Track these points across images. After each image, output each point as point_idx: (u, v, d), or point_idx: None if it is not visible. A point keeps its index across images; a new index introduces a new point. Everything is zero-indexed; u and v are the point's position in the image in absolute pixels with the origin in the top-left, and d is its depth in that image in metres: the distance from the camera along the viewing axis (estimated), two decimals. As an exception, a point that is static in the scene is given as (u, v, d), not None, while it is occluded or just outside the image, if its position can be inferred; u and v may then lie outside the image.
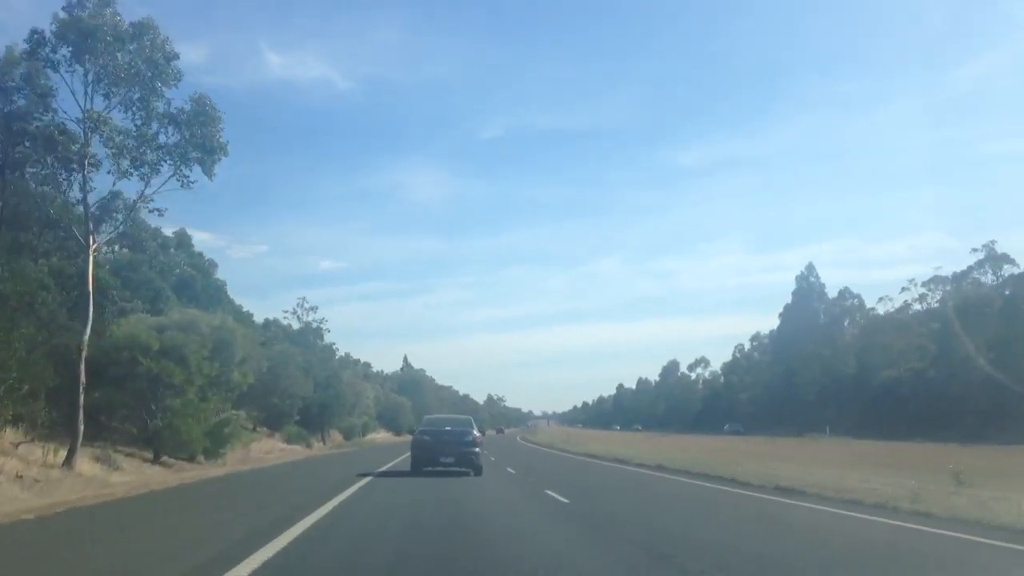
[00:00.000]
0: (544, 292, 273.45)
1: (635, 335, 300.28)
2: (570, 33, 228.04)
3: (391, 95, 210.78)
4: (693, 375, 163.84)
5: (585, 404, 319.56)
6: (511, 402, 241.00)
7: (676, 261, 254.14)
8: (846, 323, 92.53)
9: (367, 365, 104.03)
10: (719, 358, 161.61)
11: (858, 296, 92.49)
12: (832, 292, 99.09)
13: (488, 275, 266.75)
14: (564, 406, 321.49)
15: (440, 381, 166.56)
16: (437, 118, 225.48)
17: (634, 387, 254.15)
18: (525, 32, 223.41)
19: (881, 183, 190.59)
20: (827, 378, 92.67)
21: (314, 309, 63.64)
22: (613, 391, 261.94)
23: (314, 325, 63.53)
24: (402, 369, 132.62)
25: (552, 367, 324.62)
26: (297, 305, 63.25)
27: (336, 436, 65.68)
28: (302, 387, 53.57)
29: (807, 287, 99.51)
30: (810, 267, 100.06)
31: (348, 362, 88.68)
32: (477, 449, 24.76)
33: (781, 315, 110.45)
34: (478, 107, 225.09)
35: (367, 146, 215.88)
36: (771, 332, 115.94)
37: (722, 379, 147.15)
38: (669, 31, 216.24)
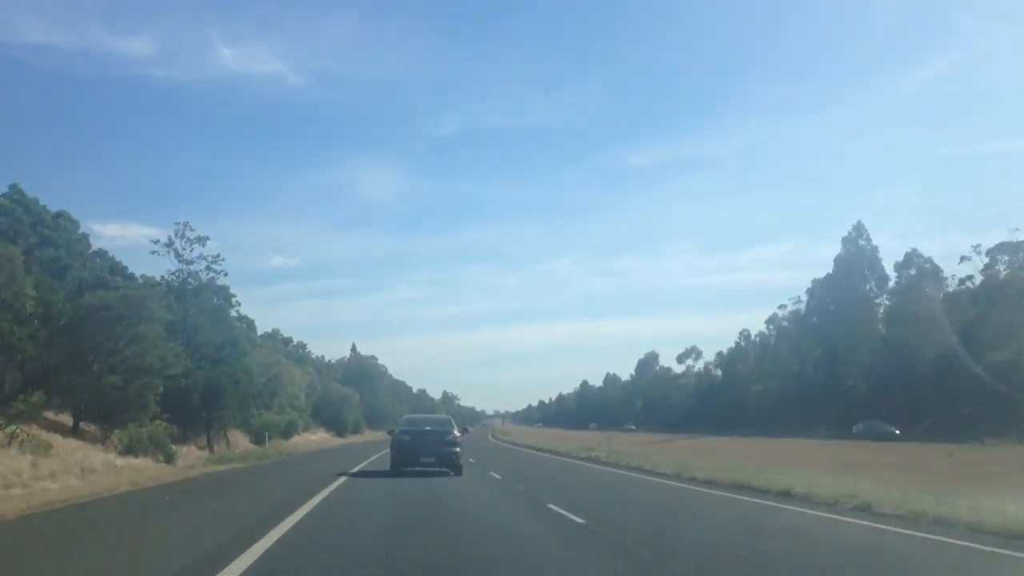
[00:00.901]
0: (498, 291, 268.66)
1: (590, 334, 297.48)
2: (526, 31, 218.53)
3: (345, 91, 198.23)
4: (681, 367, 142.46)
5: (542, 403, 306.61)
6: (464, 401, 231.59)
7: (631, 261, 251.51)
8: (913, 295, 71.74)
9: (300, 345, 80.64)
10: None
11: (929, 260, 72.05)
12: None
13: (443, 273, 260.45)
14: (517, 405, 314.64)
15: (394, 376, 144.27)
16: (392, 115, 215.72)
17: (600, 383, 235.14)
18: (481, 29, 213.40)
19: (831, 185, 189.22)
20: (886, 364, 71.91)
21: (203, 241, 39.76)
22: (571, 389, 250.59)
23: (202, 265, 39.50)
24: (349, 358, 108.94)
25: (505, 366, 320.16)
26: (176, 233, 39.12)
27: (239, 439, 42.64)
28: (165, 357, 30.61)
29: (855, 252, 78.84)
30: (859, 227, 79.40)
31: (272, 338, 65.74)
32: (458, 449, 24.36)
33: (810, 291, 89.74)
34: (433, 104, 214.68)
35: (321, 142, 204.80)
36: (793, 312, 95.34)
37: (719, 372, 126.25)
38: (624, 32, 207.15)
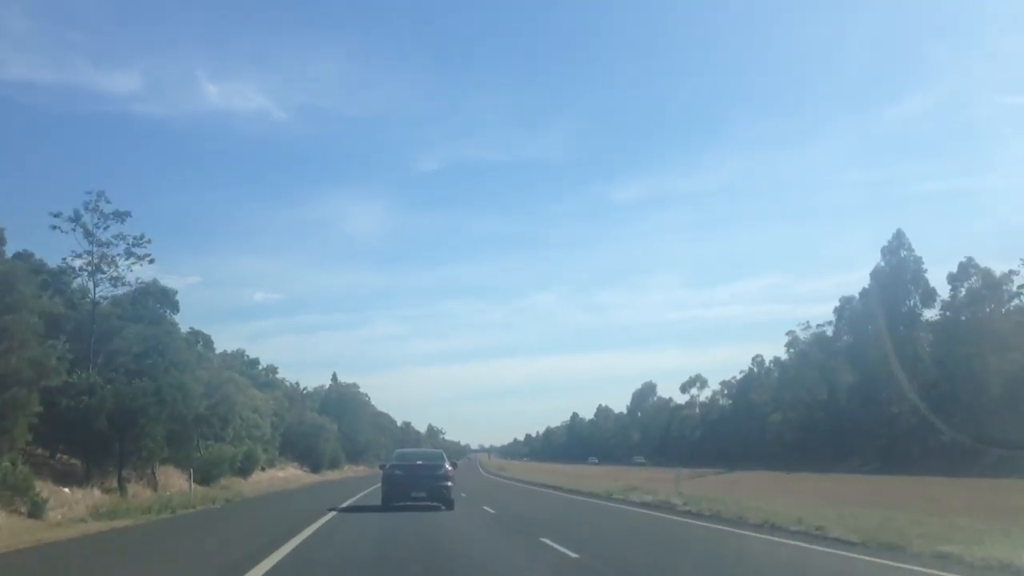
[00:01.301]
0: (482, 325, 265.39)
1: (573, 369, 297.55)
2: (509, 67, 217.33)
3: (329, 126, 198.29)
4: (684, 397, 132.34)
5: (528, 436, 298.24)
6: (449, 435, 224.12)
7: (613, 295, 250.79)
8: (974, 310, 62.38)
9: (271, 369, 70.14)
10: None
11: (987, 271, 62.56)
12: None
13: (426, 308, 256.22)
14: (502, 439, 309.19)
15: (377, 408, 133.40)
16: (376, 150, 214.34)
17: (591, 416, 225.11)
18: (464, 65, 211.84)
19: (811, 220, 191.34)
20: (940, 388, 62.47)
21: (122, 217, 29.08)
22: (556, 423, 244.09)
23: (120, 248, 28.63)
24: (328, 386, 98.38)
25: (489, 400, 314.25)
26: (86, 206, 28.39)
27: (174, 478, 32.32)
28: (41, 363, 20.59)
29: (896, 265, 69.70)
30: (899, 236, 70.12)
31: (235, 357, 55.65)
32: (449, 483, 23.96)
33: (839, 311, 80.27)
34: (417, 139, 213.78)
35: (304, 177, 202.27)
36: (816, 335, 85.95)
37: (727, 401, 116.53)
38: (607, 68, 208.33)
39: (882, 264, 70.89)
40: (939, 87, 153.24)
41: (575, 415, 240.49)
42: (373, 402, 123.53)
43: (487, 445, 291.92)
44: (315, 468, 66.98)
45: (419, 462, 25.09)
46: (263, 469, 52.61)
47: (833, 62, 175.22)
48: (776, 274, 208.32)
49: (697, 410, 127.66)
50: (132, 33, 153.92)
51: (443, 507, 23.25)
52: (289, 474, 56.42)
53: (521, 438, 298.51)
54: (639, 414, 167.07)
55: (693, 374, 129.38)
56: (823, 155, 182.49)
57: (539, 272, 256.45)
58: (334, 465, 77.51)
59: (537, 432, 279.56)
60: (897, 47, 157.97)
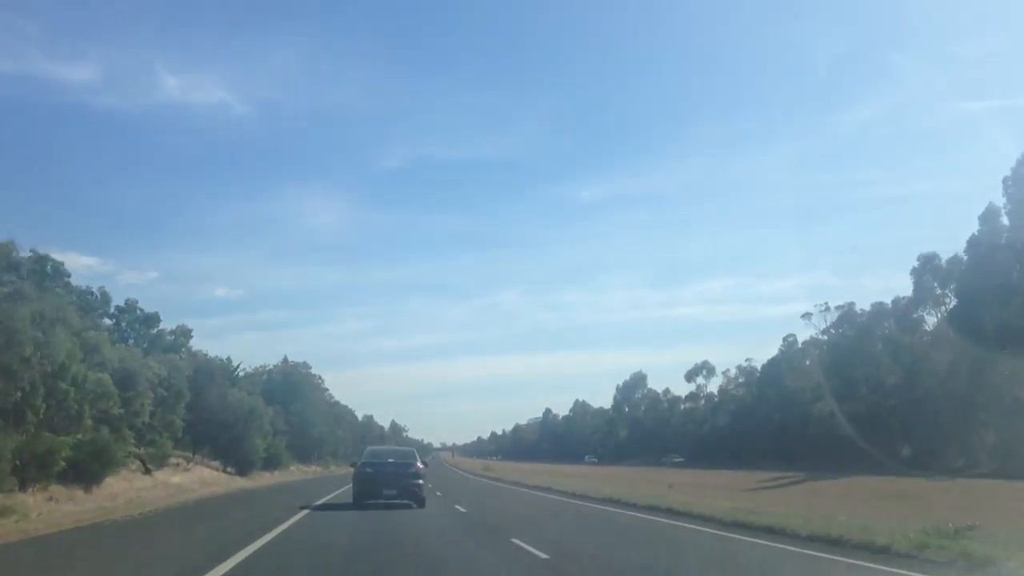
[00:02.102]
0: (444, 323, 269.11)
1: (535, 367, 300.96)
2: (470, 66, 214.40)
3: (290, 121, 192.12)
4: (691, 387, 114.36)
5: (494, 434, 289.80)
6: (412, 433, 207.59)
7: (575, 294, 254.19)
8: None
9: (182, 332, 50.16)
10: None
11: None
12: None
13: (388, 305, 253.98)
14: (464, 438, 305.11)
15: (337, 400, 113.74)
16: (337, 146, 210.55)
17: (567, 412, 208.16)
18: (426, 63, 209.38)
19: (771, 221, 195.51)
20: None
21: None
22: (525, 421, 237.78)
23: None
24: (273, 367, 78.35)
25: (451, 398, 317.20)
26: None
27: None
28: None
29: (994, 233, 52.76)
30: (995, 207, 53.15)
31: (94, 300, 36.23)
32: (420, 481, 24.17)
33: (921, 278, 62.95)
34: (378, 136, 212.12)
35: (265, 173, 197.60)
36: (873, 308, 68.64)
37: (739, 391, 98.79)
38: (568, 68, 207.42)
39: (979, 232, 53.80)
40: (897, 92, 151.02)
41: (548, 411, 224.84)
42: (333, 395, 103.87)
43: (449, 443, 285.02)
44: (242, 469, 47.54)
45: (390, 460, 25.08)
46: (147, 471, 33.17)
47: (793, 66, 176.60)
48: (736, 275, 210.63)
49: (702, 402, 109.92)
50: (89, 23, 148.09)
51: (414, 505, 23.18)
52: (192, 479, 36.85)
53: (486, 436, 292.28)
54: (626, 408, 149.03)
55: (700, 361, 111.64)
56: (782, 157, 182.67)
57: (500, 271, 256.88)
58: (274, 465, 58.02)
59: (504, 430, 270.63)
60: (857, 51, 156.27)
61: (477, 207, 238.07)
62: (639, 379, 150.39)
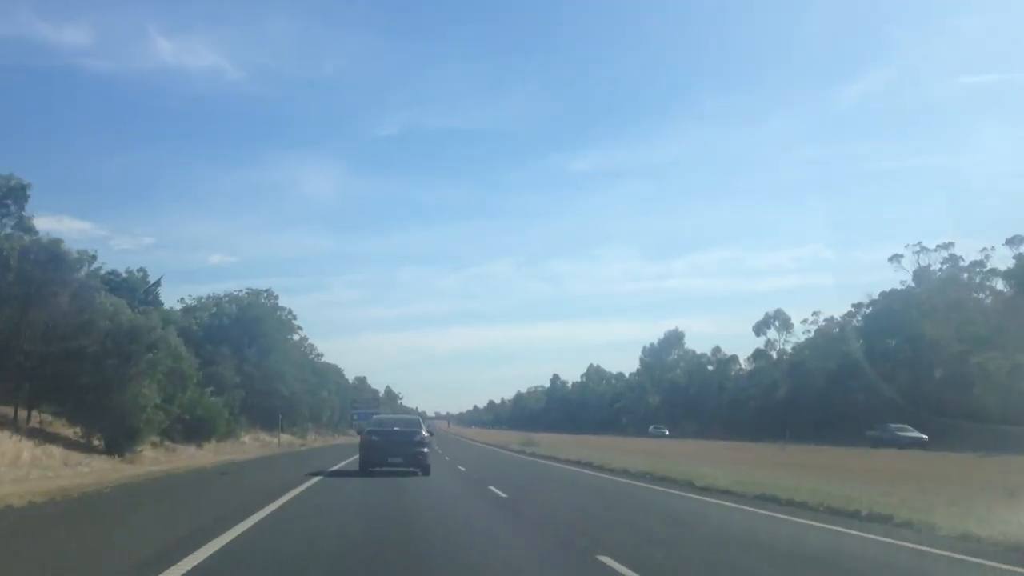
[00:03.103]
0: (438, 292, 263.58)
1: (530, 337, 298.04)
2: (468, 34, 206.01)
3: (285, 88, 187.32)
4: (758, 343, 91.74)
5: (492, 403, 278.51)
6: (406, 401, 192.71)
7: (570, 265, 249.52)
8: None
9: (86, 260, 27.70)
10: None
11: None
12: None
13: (382, 274, 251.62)
14: (459, 407, 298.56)
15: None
16: (332, 113, 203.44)
17: (579, 378, 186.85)
18: (422, 30, 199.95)
19: (766, 194, 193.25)
20: None
21: None
22: (522, 389, 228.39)
23: None
24: (225, 296, 55.53)
25: (445, 367, 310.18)
26: None
27: None
28: None
29: None
30: None
31: None
32: (425, 449, 24.10)
33: None
34: (373, 104, 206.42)
35: (260, 139, 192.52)
36: None
37: (859, 343, 76.23)
38: (566, 38, 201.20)
39: None
40: (896, 65, 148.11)
41: (556, 378, 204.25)
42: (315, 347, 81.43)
43: (443, 412, 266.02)
44: (116, 443, 25.07)
45: (396, 428, 25.02)
46: None
47: (792, 39, 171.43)
48: (732, 247, 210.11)
49: (773, 362, 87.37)
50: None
51: (419, 472, 22.99)
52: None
53: (482, 405, 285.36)
54: (662, 371, 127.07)
55: (772, 310, 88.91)
56: (780, 131, 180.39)
57: (496, 241, 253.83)
58: (205, 433, 35.90)
59: (502, 399, 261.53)
60: (856, 25, 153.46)
61: (473, 176, 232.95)
62: (674, 338, 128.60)
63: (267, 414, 52.49)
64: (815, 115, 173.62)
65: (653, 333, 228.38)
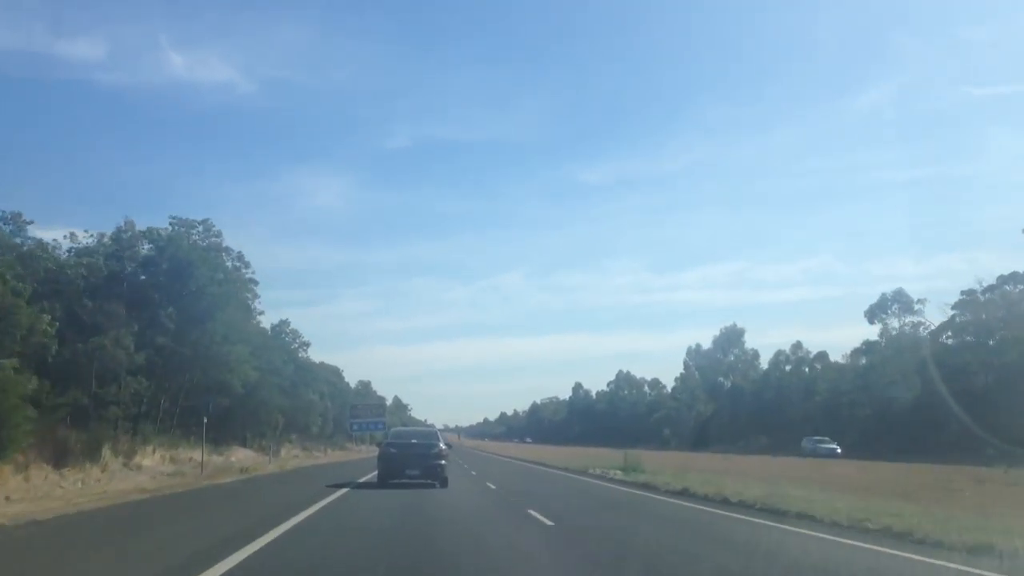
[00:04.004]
0: (447, 304, 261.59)
1: (539, 349, 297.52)
2: (478, 45, 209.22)
3: (295, 100, 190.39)
4: (871, 332, 70.68)
5: (503, 415, 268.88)
6: (415, 414, 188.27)
7: (579, 277, 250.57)
8: None
9: None
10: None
11: None
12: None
13: (391, 286, 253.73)
14: (468, 420, 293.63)
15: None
16: (342, 125, 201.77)
17: (605, 388, 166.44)
18: (432, 42, 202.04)
19: (775, 206, 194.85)
20: None
21: None
22: (537, 401, 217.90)
23: None
24: (142, 230, 35.65)
25: (454, 380, 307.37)
26: None
27: None
28: None
29: None
30: None
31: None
32: (443, 462, 24.01)
33: None
34: (383, 116, 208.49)
35: (269, 151, 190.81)
36: None
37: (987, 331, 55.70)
38: (576, 50, 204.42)
39: None
40: (906, 76, 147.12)
41: (578, 386, 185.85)
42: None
43: (452, 425, 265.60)
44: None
45: (414, 441, 25.29)
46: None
47: (799, 50, 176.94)
48: (739, 259, 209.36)
49: (891, 357, 66.67)
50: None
51: (437, 484, 22.73)
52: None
53: (492, 417, 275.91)
54: (719, 379, 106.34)
55: (891, 290, 68.02)
56: (787, 142, 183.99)
57: (505, 252, 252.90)
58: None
59: (515, 410, 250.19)
60: (863, 36, 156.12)
61: (482, 188, 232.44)
62: (732, 336, 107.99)
63: (198, 417, 32.27)
64: (824, 126, 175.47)
65: (663, 345, 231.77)
